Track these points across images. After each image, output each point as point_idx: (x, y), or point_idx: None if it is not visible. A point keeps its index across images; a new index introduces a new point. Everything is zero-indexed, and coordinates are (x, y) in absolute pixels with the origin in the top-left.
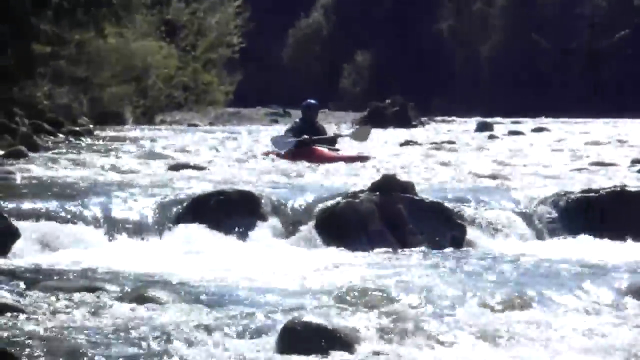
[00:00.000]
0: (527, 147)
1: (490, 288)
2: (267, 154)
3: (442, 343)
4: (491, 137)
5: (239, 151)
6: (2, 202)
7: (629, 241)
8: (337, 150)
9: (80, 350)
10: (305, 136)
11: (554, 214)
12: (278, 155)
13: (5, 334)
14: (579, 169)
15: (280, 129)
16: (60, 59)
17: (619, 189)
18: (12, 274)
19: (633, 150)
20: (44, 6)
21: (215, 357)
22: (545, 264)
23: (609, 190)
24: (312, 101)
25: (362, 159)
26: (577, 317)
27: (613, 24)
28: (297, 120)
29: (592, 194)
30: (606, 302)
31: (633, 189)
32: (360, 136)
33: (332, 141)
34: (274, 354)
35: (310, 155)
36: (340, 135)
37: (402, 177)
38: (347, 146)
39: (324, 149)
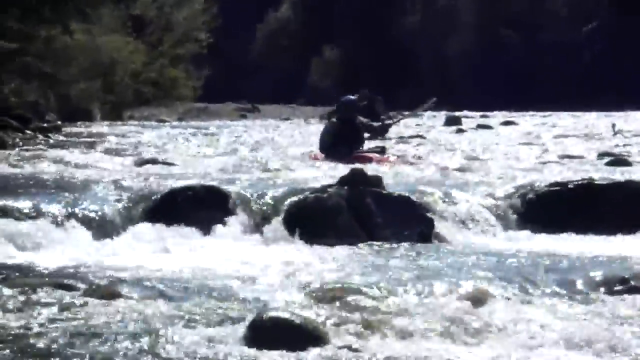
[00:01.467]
0: (495, 141)
1: (458, 281)
2: (315, 157)
3: (410, 336)
4: (459, 130)
5: (207, 146)
6: None
7: (597, 234)
8: (383, 154)
9: (49, 348)
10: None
11: (523, 207)
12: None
13: None
14: (547, 162)
15: (249, 124)
16: (28, 56)
17: (586, 181)
18: None
19: (601, 142)
20: (11, 3)
21: (183, 351)
22: (514, 257)
23: (576, 183)
24: (351, 97)
25: (409, 161)
26: (544, 310)
27: (582, 18)
28: (334, 120)
29: (560, 187)
30: (573, 295)
31: (600, 182)
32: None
33: (382, 131)
34: (241, 348)
35: (352, 161)
36: (390, 123)
37: (372, 169)
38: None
39: (367, 155)
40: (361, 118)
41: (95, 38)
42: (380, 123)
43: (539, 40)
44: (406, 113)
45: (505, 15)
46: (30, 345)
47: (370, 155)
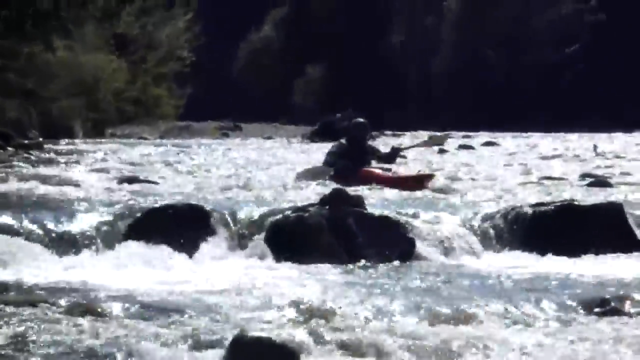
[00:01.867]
0: (477, 161)
1: (438, 301)
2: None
3: (389, 357)
4: (441, 151)
5: (188, 165)
6: None
7: (578, 255)
8: (390, 169)
9: None
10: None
11: (504, 228)
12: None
13: None
14: (529, 183)
15: (231, 142)
16: (10, 72)
17: (567, 203)
18: None
19: (583, 164)
20: None
21: None
22: (494, 278)
23: (558, 204)
24: (361, 120)
25: (424, 178)
26: (525, 331)
27: (565, 39)
28: (343, 140)
29: (542, 208)
30: (554, 316)
31: (582, 204)
32: (437, 141)
33: (390, 157)
34: None
35: (358, 178)
36: (401, 149)
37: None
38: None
39: (374, 170)
40: (370, 143)
41: (78, 55)
42: (389, 151)
43: (523, 60)
44: (418, 142)
45: (490, 36)
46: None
47: (369, 171)
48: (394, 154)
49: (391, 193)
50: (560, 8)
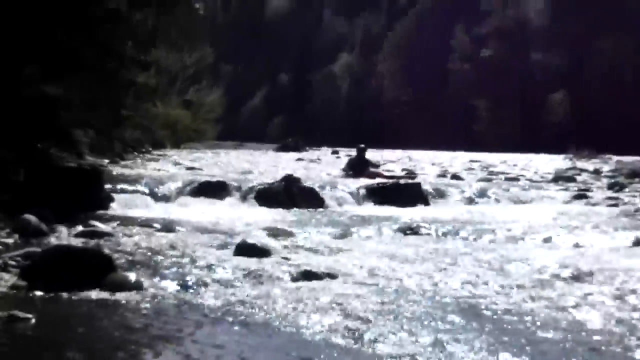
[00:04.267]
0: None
1: (335, 225)
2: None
3: (315, 252)
4: (338, 156)
5: (218, 160)
6: (107, 184)
7: (401, 207)
8: (377, 169)
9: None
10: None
11: (367, 193)
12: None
13: None
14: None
15: (240, 151)
16: (137, 117)
17: (395, 182)
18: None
19: (404, 165)
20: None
21: (201, 255)
22: (360, 216)
23: (392, 182)
24: (362, 145)
25: (397, 177)
26: (373, 242)
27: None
28: (353, 156)
29: (385, 184)
30: (384, 234)
31: (402, 182)
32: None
33: (376, 165)
34: (232, 257)
35: (365, 175)
36: (377, 165)
37: (296, 174)
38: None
39: (374, 170)
40: (367, 156)
41: (168, 110)
42: (375, 162)
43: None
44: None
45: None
46: None
47: (371, 171)
48: (377, 164)
49: (315, 175)
50: None
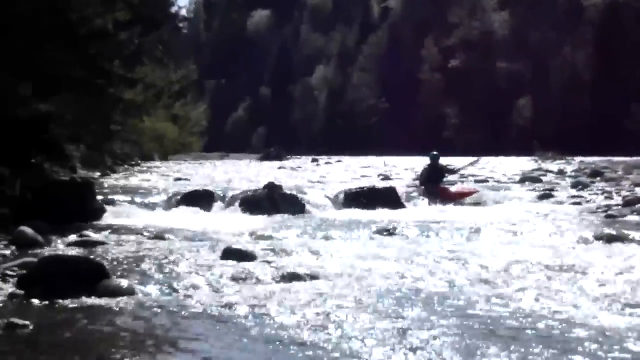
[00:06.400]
0: (332, 169)
1: (314, 227)
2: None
3: (296, 254)
4: (317, 164)
5: (204, 171)
6: (99, 196)
7: (375, 210)
8: (449, 188)
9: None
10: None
11: (344, 198)
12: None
13: None
14: (355, 179)
15: (225, 162)
16: (125, 133)
17: (372, 187)
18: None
19: (378, 170)
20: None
21: (191, 260)
22: (339, 220)
23: (367, 187)
24: (435, 152)
25: (471, 193)
26: (354, 241)
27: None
28: (427, 166)
29: (361, 188)
30: (362, 235)
31: (379, 187)
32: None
33: (453, 172)
34: (219, 262)
35: (447, 195)
36: (457, 170)
37: (279, 182)
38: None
39: (446, 189)
40: (442, 163)
41: (155, 124)
42: (453, 167)
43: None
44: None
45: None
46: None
47: (442, 189)
48: (454, 170)
49: (296, 182)
50: None
